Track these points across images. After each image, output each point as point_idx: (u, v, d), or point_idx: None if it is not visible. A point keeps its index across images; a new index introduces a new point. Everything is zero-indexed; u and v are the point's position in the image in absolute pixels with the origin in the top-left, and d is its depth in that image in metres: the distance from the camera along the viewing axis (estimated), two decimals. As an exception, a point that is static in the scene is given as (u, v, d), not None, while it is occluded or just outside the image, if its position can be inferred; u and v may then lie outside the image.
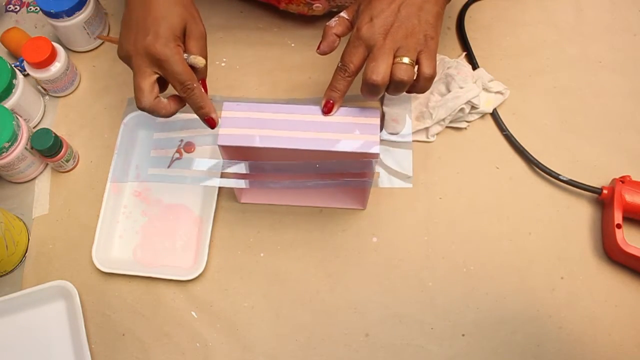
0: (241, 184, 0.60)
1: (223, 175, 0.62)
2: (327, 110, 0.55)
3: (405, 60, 0.52)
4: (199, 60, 0.55)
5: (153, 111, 0.55)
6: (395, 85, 0.52)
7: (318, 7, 0.75)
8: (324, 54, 0.57)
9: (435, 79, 0.61)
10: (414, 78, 0.53)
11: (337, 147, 0.54)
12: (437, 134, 0.73)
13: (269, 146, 0.55)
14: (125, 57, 0.54)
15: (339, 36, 0.57)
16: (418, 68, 0.53)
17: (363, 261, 0.68)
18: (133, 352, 0.65)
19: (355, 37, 0.53)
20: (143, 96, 0.53)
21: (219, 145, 0.56)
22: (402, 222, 0.69)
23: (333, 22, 0.57)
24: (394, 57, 0.52)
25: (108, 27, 0.82)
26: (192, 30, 0.56)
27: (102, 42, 0.81)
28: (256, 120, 0.56)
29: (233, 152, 0.58)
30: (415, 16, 0.53)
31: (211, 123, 0.56)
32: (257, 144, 0.55)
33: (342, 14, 0.57)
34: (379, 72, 0.52)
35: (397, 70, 0.52)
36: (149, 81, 0.53)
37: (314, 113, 0.56)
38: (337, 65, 0.55)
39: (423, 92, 0.55)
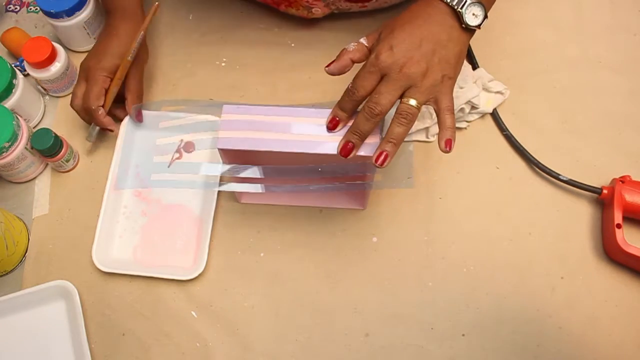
0: (242, 188, 0.59)
1: (223, 179, 0.62)
2: (331, 126, 0.54)
3: (412, 102, 0.51)
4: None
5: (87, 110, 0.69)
6: (397, 121, 0.52)
7: (317, 11, 0.75)
8: (332, 74, 0.56)
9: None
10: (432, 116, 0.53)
11: (337, 149, 0.54)
12: (437, 134, 0.72)
13: (269, 149, 0.54)
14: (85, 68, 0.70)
15: (353, 61, 0.55)
16: (436, 105, 0.53)
17: (363, 261, 0.68)
18: (133, 352, 0.65)
19: (372, 63, 0.52)
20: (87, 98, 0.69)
21: (218, 149, 0.56)
22: (402, 222, 0.69)
23: (351, 46, 0.55)
24: (404, 94, 0.51)
25: (108, 27, 0.82)
26: (131, 71, 0.69)
27: (102, 42, 0.81)
28: (256, 123, 0.55)
29: (233, 156, 0.57)
30: (436, 53, 0.52)
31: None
32: (257, 147, 0.55)
33: (362, 40, 0.56)
34: (380, 104, 0.51)
35: (401, 109, 0.51)
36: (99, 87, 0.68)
37: (314, 116, 0.55)
38: (348, 86, 0.53)
39: (448, 126, 0.53)
